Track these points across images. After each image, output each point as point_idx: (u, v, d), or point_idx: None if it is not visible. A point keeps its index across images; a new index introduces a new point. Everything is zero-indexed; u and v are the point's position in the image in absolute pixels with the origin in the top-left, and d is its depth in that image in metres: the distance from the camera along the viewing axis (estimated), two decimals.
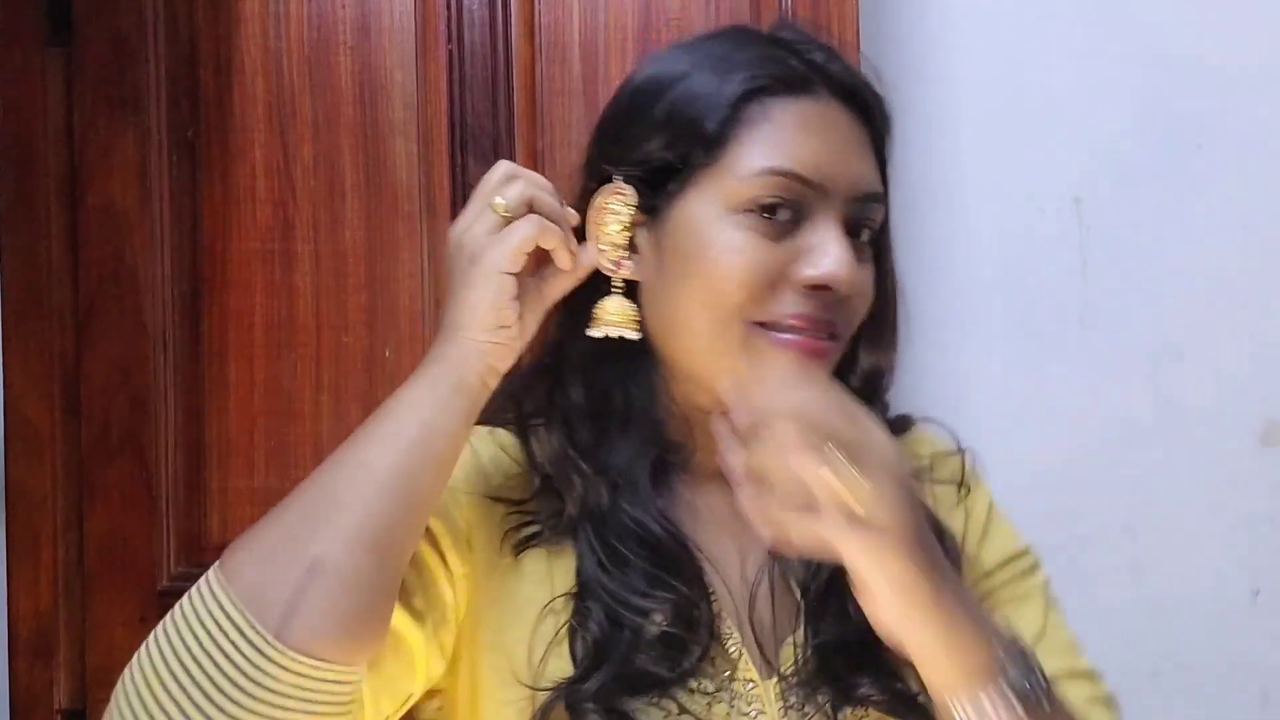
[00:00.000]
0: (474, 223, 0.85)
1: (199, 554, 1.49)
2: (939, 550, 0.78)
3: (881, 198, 0.92)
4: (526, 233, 0.84)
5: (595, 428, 0.92)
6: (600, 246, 0.89)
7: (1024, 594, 0.98)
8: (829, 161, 0.87)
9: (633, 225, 0.90)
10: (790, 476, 0.74)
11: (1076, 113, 1.69)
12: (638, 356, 0.92)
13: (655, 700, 0.86)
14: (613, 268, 0.90)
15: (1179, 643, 1.67)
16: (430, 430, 0.85)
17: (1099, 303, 1.69)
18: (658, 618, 0.87)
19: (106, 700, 1.46)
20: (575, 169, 0.97)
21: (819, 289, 0.86)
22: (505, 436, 0.96)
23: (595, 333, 0.90)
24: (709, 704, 0.87)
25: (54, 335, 1.49)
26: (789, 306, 0.86)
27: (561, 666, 0.87)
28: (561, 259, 0.87)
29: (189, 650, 0.76)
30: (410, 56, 1.50)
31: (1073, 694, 0.88)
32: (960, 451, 1.01)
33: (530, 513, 0.92)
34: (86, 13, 1.49)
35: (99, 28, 1.49)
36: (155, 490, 1.48)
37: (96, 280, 1.48)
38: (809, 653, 0.90)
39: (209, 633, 0.76)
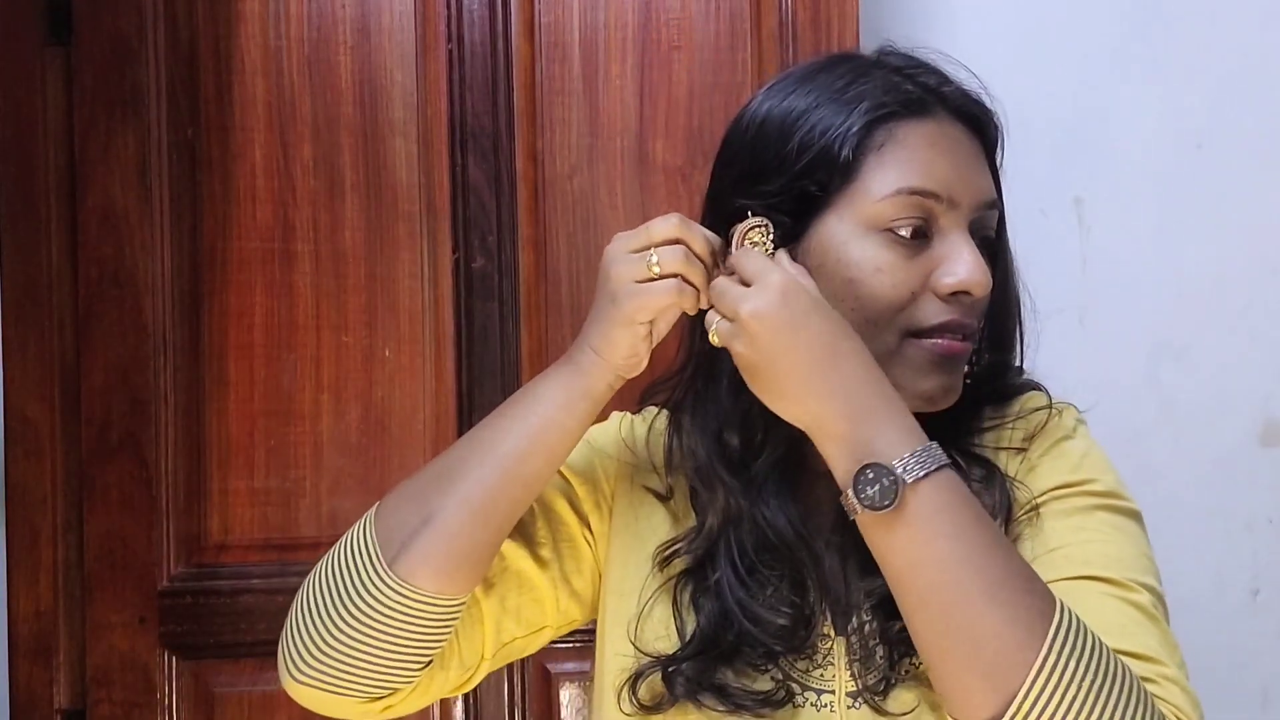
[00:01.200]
0: (627, 264, 0.93)
1: (199, 554, 1.49)
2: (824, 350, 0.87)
3: (997, 204, 0.99)
4: (664, 299, 0.92)
5: (742, 435, 0.98)
6: None
7: (1058, 513, 0.99)
8: (954, 176, 0.94)
9: (774, 253, 0.95)
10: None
11: (1076, 113, 1.69)
12: None
13: (742, 668, 0.96)
14: None
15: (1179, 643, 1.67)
16: (549, 424, 0.96)
17: (1099, 303, 1.69)
18: (769, 626, 0.95)
19: (106, 700, 1.47)
20: (703, 203, 1.03)
21: (957, 294, 0.94)
22: (661, 422, 1.06)
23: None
24: (795, 659, 0.96)
25: (54, 335, 1.49)
26: (934, 315, 0.94)
27: (664, 631, 0.98)
28: (689, 308, 0.94)
29: (339, 563, 0.97)
30: (410, 56, 1.50)
31: (1078, 594, 0.90)
32: (1046, 408, 1.05)
33: (674, 536, 1.02)
34: (86, 13, 1.49)
35: (99, 28, 1.49)
36: (155, 490, 1.48)
37: (96, 280, 1.48)
38: (871, 604, 0.96)
39: (353, 553, 0.97)
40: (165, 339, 1.49)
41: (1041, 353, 1.67)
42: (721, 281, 0.91)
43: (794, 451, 0.99)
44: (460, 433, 1.49)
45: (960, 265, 0.93)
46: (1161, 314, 1.69)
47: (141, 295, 1.48)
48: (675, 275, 0.91)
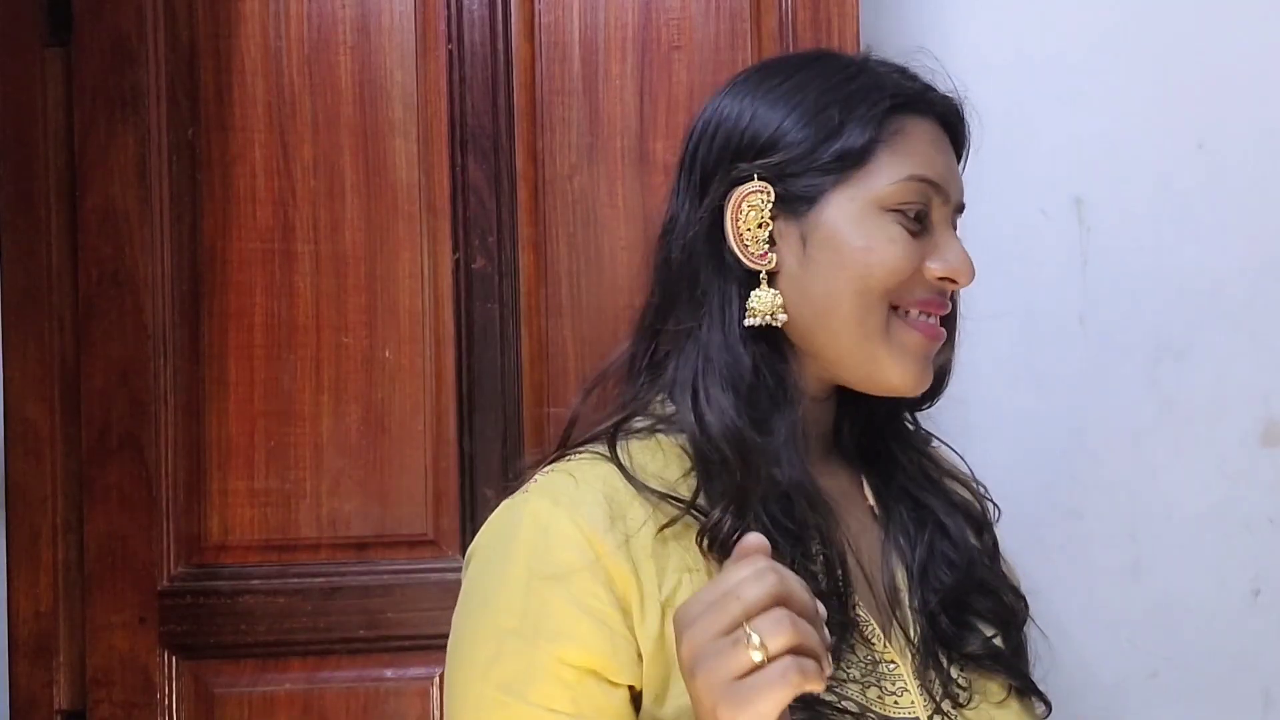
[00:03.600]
0: (717, 656, 0.72)
1: (199, 554, 1.49)
2: None
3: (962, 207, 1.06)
4: (784, 693, 0.71)
5: (749, 410, 0.97)
6: (744, 242, 0.99)
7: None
8: (946, 172, 1.02)
9: (771, 220, 0.99)
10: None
11: (1076, 113, 1.69)
12: (777, 341, 1.01)
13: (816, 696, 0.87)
14: (759, 261, 0.99)
15: (1179, 643, 1.67)
16: None
17: (1099, 303, 1.69)
18: (801, 571, 0.90)
19: (106, 701, 1.48)
20: (687, 170, 1.06)
21: (944, 280, 1.01)
22: (641, 452, 0.97)
23: (751, 321, 0.98)
24: (863, 689, 0.93)
25: (54, 335, 1.49)
26: (921, 293, 1.00)
27: None
28: (816, 688, 0.74)
29: None
30: (410, 56, 1.50)
31: None
32: (978, 485, 1.15)
33: (700, 513, 0.93)
34: (86, 13, 1.49)
35: (99, 28, 1.49)
36: (155, 490, 1.47)
37: (96, 280, 1.48)
38: (923, 622, 0.99)
39: None
40: (165, 339, 1.49)
41: (1042, 353, 1.68)
42: None
43: (804, 420, 1.01)
44: (460, 434, 1.49)
45: (951, 254, 1.01)
46: (1161, 314, 1.69)
47: (141, 295, 1.48)
48: (787, 653, 0.71)
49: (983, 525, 1.09)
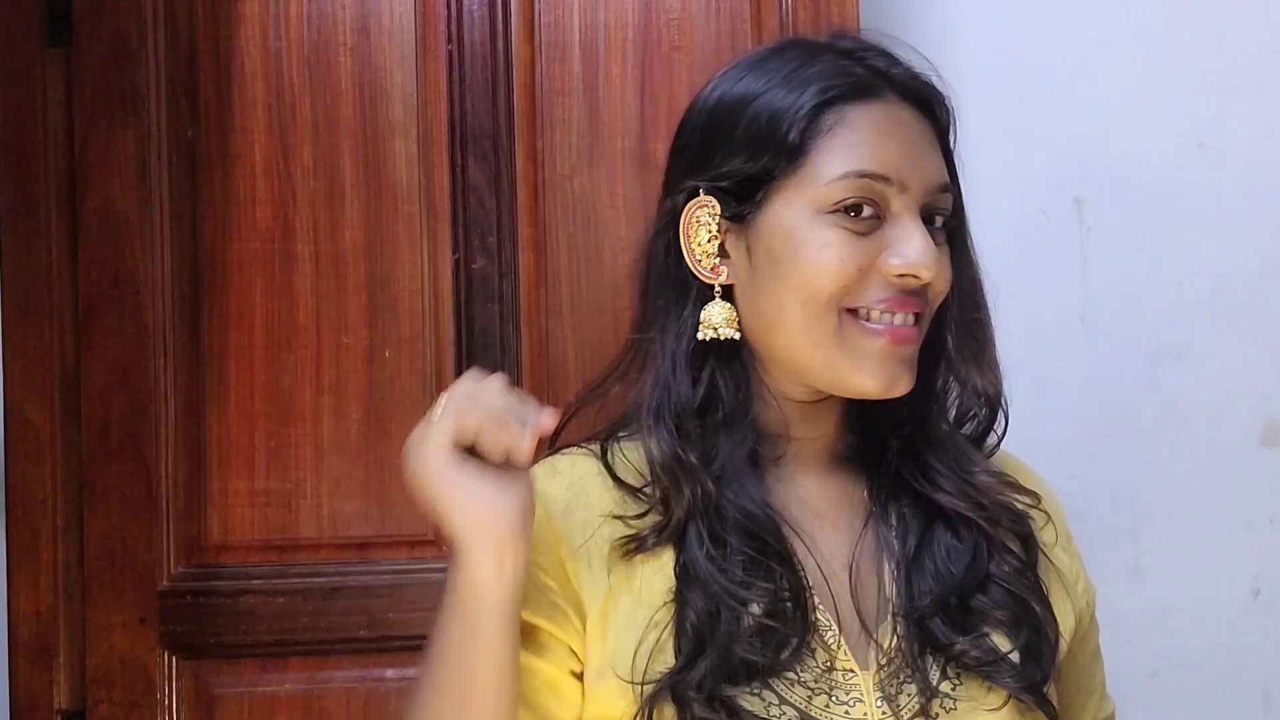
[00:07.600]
0: (418, 432, 0.91)
1: (199, 555, 1.49)
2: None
3: (950, 187, 0.99)
4: (445, 428, 0.88)
5: (701, 425, 0.98)
6: (695, 257, 0.97)
7: (1096, 645, 1.11)
8: (902, 159, 0.95)
9: (721, 233, 0.97)
10: None
11: (1077, 113, 1.69)
12: (735, 354, 0.99)
13: (756, 690, 0.90)
14: (711, 275, 0.98)
15: (1179, 643, 1.67)
16: (487, 673, 0.89)
17: (1099, 303, 1.69)
18: (755, 608, 0.92)
19: (106, 701, 1.48)
20: (659, 189, 1.04)
21: (904, 277, 0.94)
22: (589, 463, 1.01)
23: (703, 335, 0.97)
24: (809, 695, 0.91)
25: (54, 336, 1.49)
26: (877, 293, 0.94)
27: (666, 664, 0.92)
28: (490, 453, 0.89)
29: None
30: (410, 56, 1.50)
31: None
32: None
33: (633, 525, 0.97)
34: (86, 13, 1.49)
35: (99, 28, 1.49)
36: (155, 491, 1.48)
37: (96, 281, 1.48)
38: (906, 626, 0.95)
39: None
40: (165, 340, 1.49)
41: (1042, 353, 1.68)
42: None
43: (770, 445, 1.00)
44: None
45: (908, 247, 0.93)
46: (1161, 314, 1.69)
47: (142, 296, 1.48)
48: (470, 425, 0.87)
49: (1025, 536, 1.02)
